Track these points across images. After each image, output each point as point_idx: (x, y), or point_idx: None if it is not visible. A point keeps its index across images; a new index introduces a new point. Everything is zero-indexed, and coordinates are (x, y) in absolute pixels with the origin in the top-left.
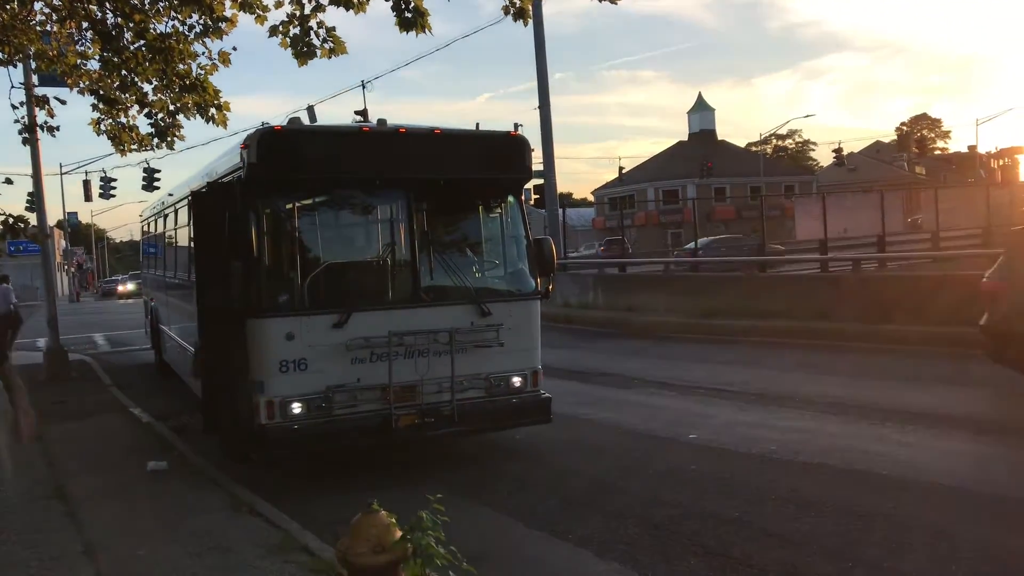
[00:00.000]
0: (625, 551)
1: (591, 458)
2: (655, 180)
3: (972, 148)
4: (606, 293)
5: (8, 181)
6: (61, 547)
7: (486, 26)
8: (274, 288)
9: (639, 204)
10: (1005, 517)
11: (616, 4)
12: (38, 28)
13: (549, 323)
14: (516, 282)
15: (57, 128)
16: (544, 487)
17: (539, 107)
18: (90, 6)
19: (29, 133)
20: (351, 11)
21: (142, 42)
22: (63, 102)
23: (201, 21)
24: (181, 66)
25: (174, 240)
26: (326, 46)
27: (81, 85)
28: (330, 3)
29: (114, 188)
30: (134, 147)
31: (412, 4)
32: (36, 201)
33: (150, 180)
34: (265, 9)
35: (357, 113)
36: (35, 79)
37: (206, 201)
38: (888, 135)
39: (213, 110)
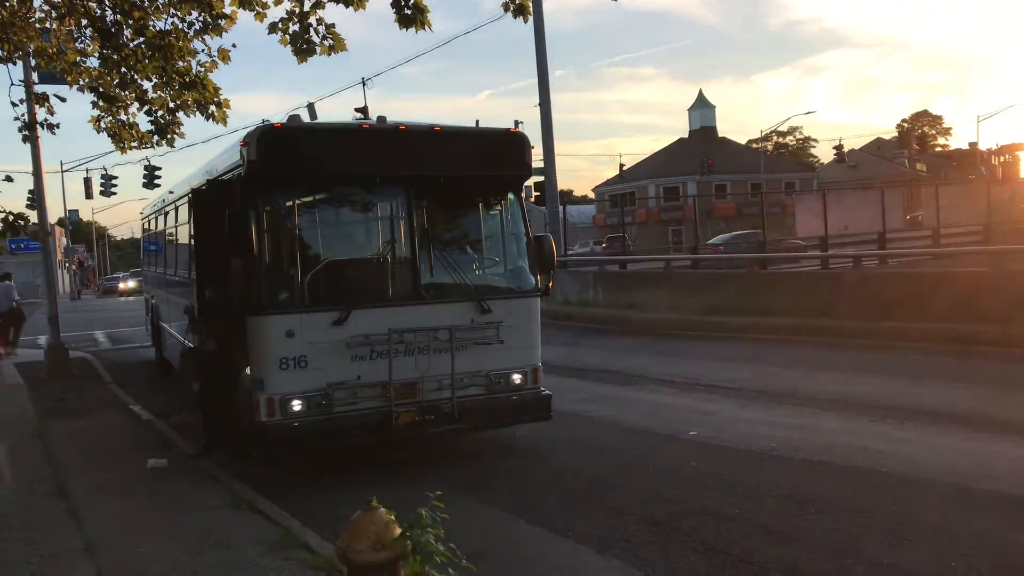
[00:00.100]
0: (625, 548)
1: (591, 455)
2: (656, 177)
3: (973, 145)
4: (606, 290)
5: (8, 179)
6: (62, 544)
7: (486, 23)
8: (274, 285)
9: (640, 201)
10: (1004, 514)
11: (616, 1)
12: (37, 25)
13: (549, 320)
14: (516, 279)
15: (57, 126)
16: (544, 484)
17: (539, 104)
18: (89, 3)
19: (29, 131)
20: (351, 8)
21: (141, 39)
22: (63, 99)
23: (200, 18)
24: (181, 63)
25: (175, 238)
26: (326, 43)
27: (81, 82)
28: (329, 0)
29: (115, 186)
30: (134, 144)
31: (412, 1)
32: (37, 199)
33: (151, 178)
34: (264, 6)
35: (357, 110)
36: (35, 76)
37: (206, 199)
38: (889, 132)
39: (213, 107)
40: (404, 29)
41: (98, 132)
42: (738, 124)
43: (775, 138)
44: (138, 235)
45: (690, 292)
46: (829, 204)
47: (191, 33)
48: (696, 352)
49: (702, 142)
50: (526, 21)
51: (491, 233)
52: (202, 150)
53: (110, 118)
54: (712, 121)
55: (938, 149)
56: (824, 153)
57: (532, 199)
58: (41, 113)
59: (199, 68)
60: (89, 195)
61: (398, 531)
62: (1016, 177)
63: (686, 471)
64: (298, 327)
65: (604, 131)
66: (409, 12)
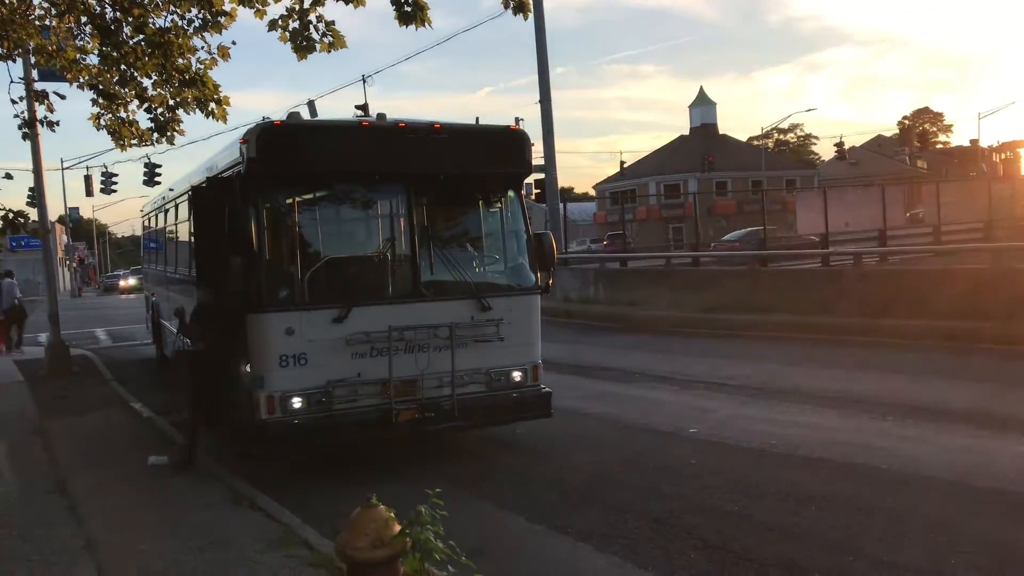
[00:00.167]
0: (625, 545)
1: (591, 452)
2: (656, 174)
3: (974, 142)
4: (607, 288)
5: (8, 176)
6: (62, 541)
7: (486, 20)
8: (274, 283)
9: (640, 199)
10: (1004, 511)
11: None
12: (37, 23)
13: (549, 318)
14: (516, 277)
15: (57, 123)
16: (544, 481)
17: (540, 101)
18: (89, 0)
19: (29, 128)
20: (350, 5)
21: (141, 36)
22: (62, 97)
23: (200, 15)
24: (180, 60)
25: (175, 235)
26: (325, 40)
27: (81, 80)
28: None
29: (115, 183)
30: (134, 142)
31: None
32: (37, 196)
33: (151, 175)
34: (264, 3)
35: (358, 107)
36: (35, 74)
37: (206, 196)
38: (890, 129)
39: (213, 105)
40: (404, 26)
41: (98, 130)
42: (739, 121)
43: (776, 135)
44: (139, 232)
45: (691, 289)
46: (830, 201)
47: (191, 30)
48: (696, 349)
49: (703, 139)
50: (526, 18)
51: (491, 230)
52: (203, 147)
53: (110, 115)
54: (713, 118)
55: (939, 146)
56: (825, 150)
57: (532, 196)
58: (41, 111)
59: (199, 65)
60: (90, 193)
61: (397, 528)
62: (1017, 174)
63: (686, 468)
64: (298, 324)
65: (605, 128)
66: (409, 9)
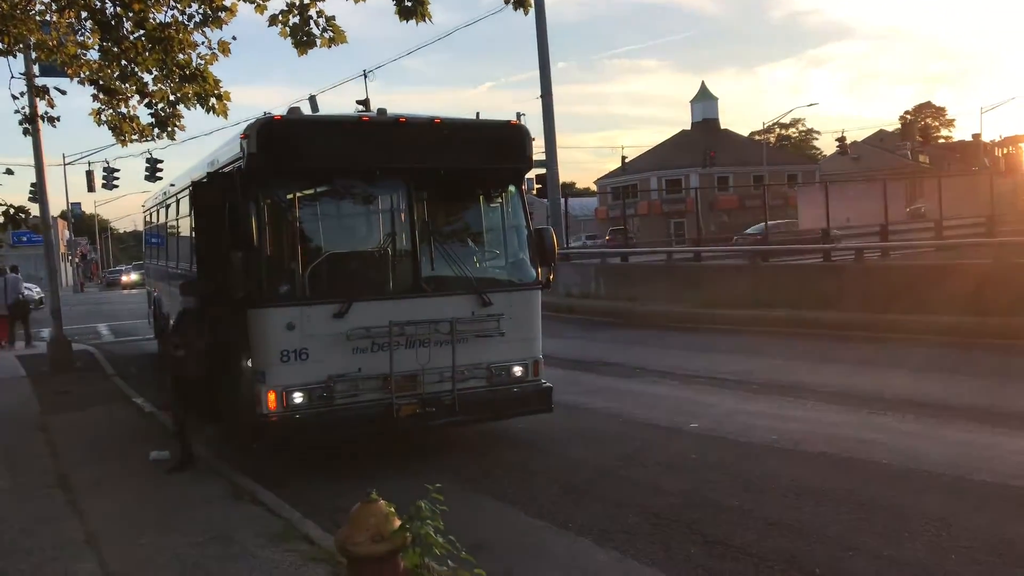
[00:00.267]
0: (625, 540)
1: (592, 447)
2: (658, 169)
3: (976, 137)
4: (608, 283)
5: (9, 172)
6: (64, 536)
7: (487, 15)
8: (275, 278)
9: (642, 193)
10: (1005, 506)
11: None
12: (37, 18)
13: (551, 313)
14: (517, 272)
15: (57, 119)
16: (545, 476)
17: (541, 96)
18: None
19: (30, 124)
20: (350, 0)
21: (141, 32)
22: (63, 92)
23: (200, 10)
24: (181, 56)
25: (176, 230)
26: (326, 35)
27: (81, 75)
28: None
29: (117, 178)
30: (135, 137)
31: None
32: (38, 191)
33: (153, 170)
34: None
35: (359, 103)
36: (36, 69)
37: (207, 191)
38: (892, 124)
39: (213, 100)
40: (404, 21)
41: (99, 125)
42: (741, 116)
43: (777, 130)
44: (141, 228)
45: (692, 285)
46: (831, 197)
47: (191, 25)
48: (698, 345)
49: (704, 134)
50: (526, 13)
51: (492, 226)
52: (205, 143)
53: (111, 111)
54: (714, 113)
55: (941, 141)
56: (827, 145)
57: (534, 191)
58: (42, 106)
59: (199, 61)
60: (92, 188)
61: (398, 523)
62: (1019, 169)
63: (687, 463)
64: (299, 320)
65: (606, 123)
66: (409, 4)
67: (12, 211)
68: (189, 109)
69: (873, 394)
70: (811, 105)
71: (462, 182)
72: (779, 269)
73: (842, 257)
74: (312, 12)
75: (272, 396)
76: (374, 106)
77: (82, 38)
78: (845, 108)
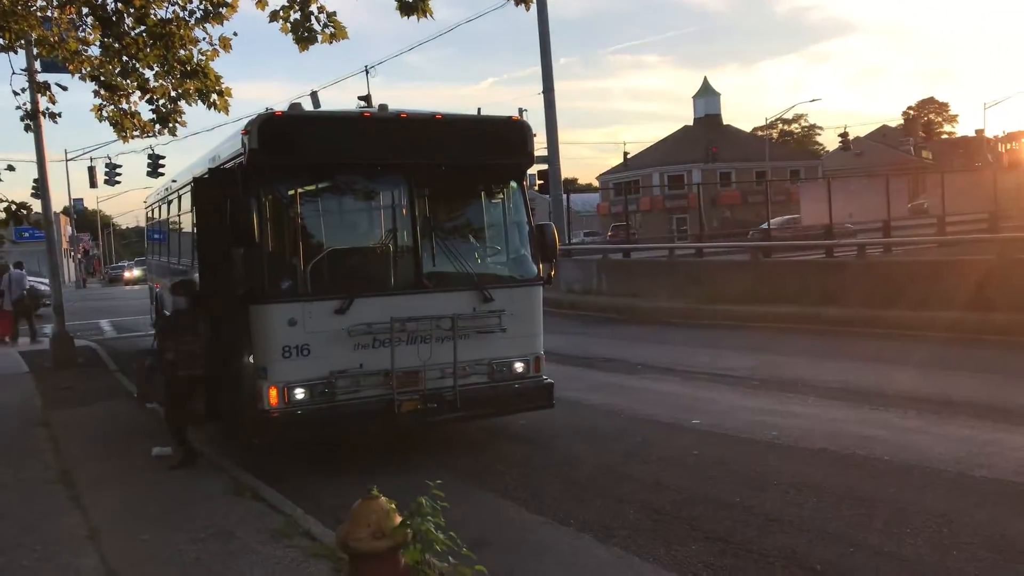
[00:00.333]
0: (627, 536)
1: (594, 443)
2: (660, 165)
3: (980, 132)
4: (610, 279)
5: (10, 168)
6: (66, 531)
7: (489, 11)
8: (276, 274)
9: (644, 189)
10: (1006, 502)
11: None
12: (39, 14)
13: (552, 309)
14: (518, 268)
15: (59, 114)
16: (546, 472)
17: (543, 92)
18: None
19: (32, 119)
20: None
21: (142, 28)
22: (64, 88)
23: (201, 6)
24: (182, 52)
25: (178, 226)
26: (327, 31)
27: (83, 71)
28: None
29: (119, 174)
30: (136, 133)
31: None
32: (40, 187)
33: (155, 166)
34: None
35: (361, 98)
36: (37, 65)
37: (208, 187)
38: (895, 119)
39: (214, 96)
40: (405, 17)
41: (100, 121)
42: (743, 112)
43: (780, 126)
44: (143, 224)
45: (694, 281)
46: (834, 192)
47: (192, 21)
48: (699, 341)
49: (707, 130)
50: (528, 9)
51: (493, 221)
52: (207, 139)
53: (112, 107)
54: (717, 109)
55: (944, 136)
56: (829, 141)
57: (536, 187)
58: (43, 102)
59: (200, 57)
60: (94, 184)
61: (398, 519)
62: (1023, 165)
63: (688, 459)
64: (300, 315)
65: (608, 119)
66: (411, 0)
67: (14, 207)
68: (190, 105)
69: (875, 390)
70: (814, 101)
71: (463, 178)
72: (781, 265)
73: (844, 253)
74: (313, 8)
75: (274, 392)
76: (376, 102)
77: (83, 34)
78: (848, 103)
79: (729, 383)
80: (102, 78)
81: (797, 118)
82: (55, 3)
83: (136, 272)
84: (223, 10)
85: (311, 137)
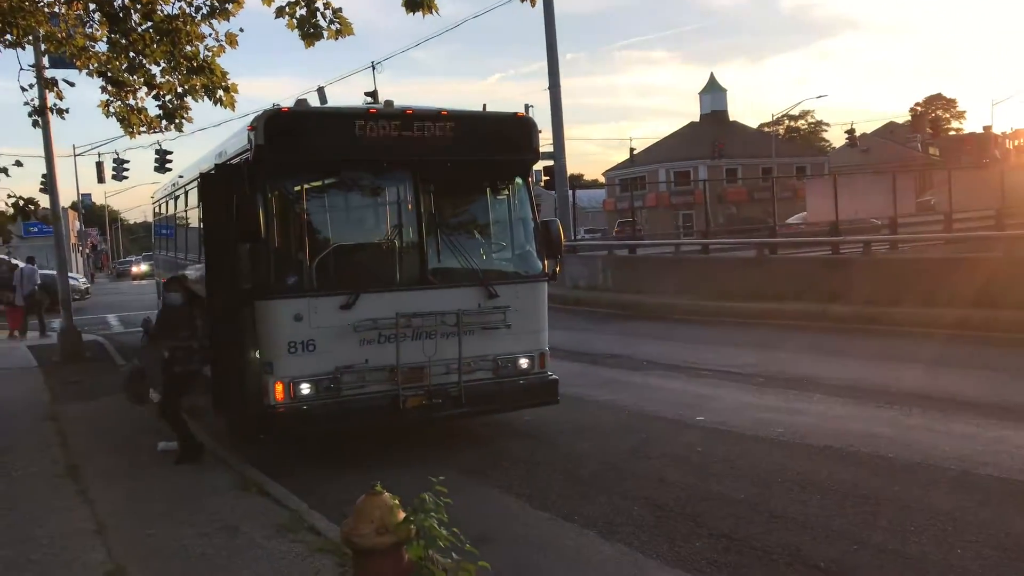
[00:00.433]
0: (631, 533)
1: (598, 440)
2: (666, 161)
3: (987, 129)
4: (616, 275)
5: (18, 163)
6: (74, 525)
7: (496, 6)
8: (282, 270)
9: (650, 186)
10: (1011, 500)
11: None
12: (46, 10)
13: (558, 305)
14: (523, 264)
15: (66, 110)
16: (551, 469)
17: (549, 88)
18: None
19: (40, 115)
20: None
21: (149, 24)
22: (71, 84)
23: (208, 2)
24: (188, 48)
25: (185, 222)
26: (333, 27)
27: (90, 67)
28: None
29: (127, 170)
30: (143, 129)
31: None
32: (48, 183)
33: (162, 162)
34: None
35: (367, 94)
36: (45, 61)
37: (214, 183)
38: (902, 116)
39: (221, 92)
40: (411, 13)
41: (107, 117)
42: (749, 108)
43: (786, 122)
44: (150, 219)
45: (700, 277)
46: (840, 189)
47: (198, 17)
48: (705, 338)
49: (713, 126)
50: (533, 5)
51: (498, 218)
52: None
53: (119, 103)
54: (723, 105)
55: (952, 133)
56: (836, 137)
57: (542, 183)
58: (51, 98)
59: (207, 53)
60: (102, 179)
61: (402, 515)
62: None
63: (693, 456)
64: (306, 311)
65: (615, 115)
66: None
67: (22, 203)
68: (197, 101)
69: (880, 388)
70: (820, 97)
71: (469, 174)
72: (787, 261)
73: (851, 250)
74: (319, 4)
75: (280, 387)
76: (382, 98)
77: (90, 30)
78: (855, 100)
79: (734, 380)
80: (109, 74)
81: (804, 114)
82: None
83: (143, 267)
84: (229, 6)
85: (317, 133)
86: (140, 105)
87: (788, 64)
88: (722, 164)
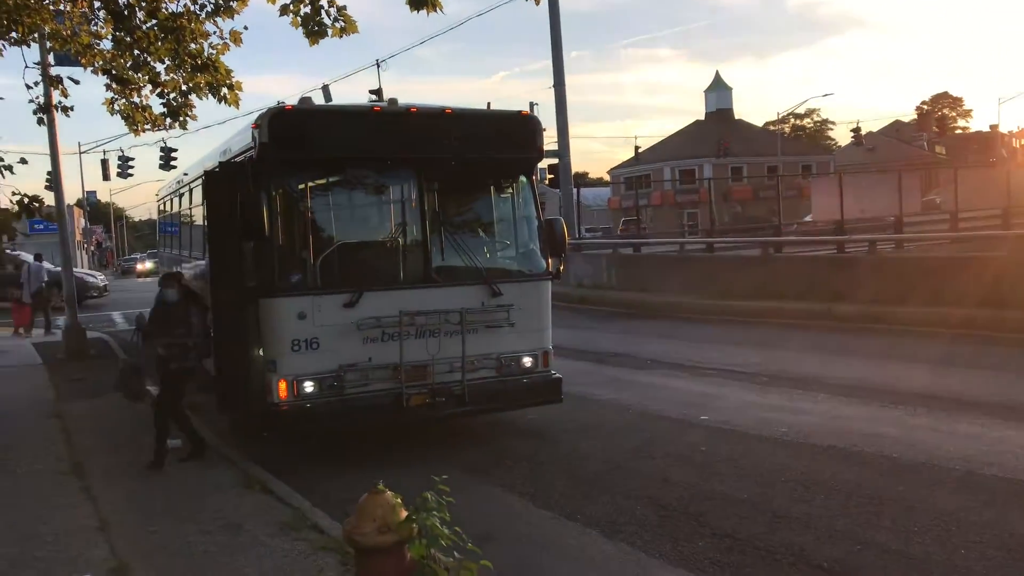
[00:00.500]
0: (634, 532)
1: (602, 439)
2: (671, 159)
3: (994, 127)
4: (620, 274)
5: (23, 161)
6: (77, 522)
7: (500, 4)
8: (286, 268)
9: (655, 184)
10: (1015, 500)
11: None
12: (51, 8)
13: (562, 304)
14: (527, 262)
15: (71, 108)
16: (554, 468)
17: (554, 85)
18: None
19: (45, 113)
20: None
21: (154, 21)
22: (76, 82)
23: (212, 0)
24: (193, 46)
25: (189, 219)
26: (337, 25)
27: (95, 65)
28: None
29: (132, 167)
30: (147, 127)
31: None
32: (53, 180)
33: (167, 159)
34: None
35: (372, 92)
36: (50, 59)
37: (218, 181)
38: (908, 114)
39: (225, 90)
40: (415, 11)
41: (112, 114)
42: (755, 106)
43: (792, 120)
44: (155, 216)
45: (704, 276)
46: (846, 187)
47: (203, 15)
48: (709, 336)
49: (718, 124)
50: (538, 3)
51: (502, 216)
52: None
53: (124, 100)
54: (729, 103)
55: (958, 131)
56: (842, 136)
57: (546, 181)
58: (56, 95)
59: (211, 50)
60: (107, 176)
61: (404, 514)
62: None
63: (696, 456)
64: (310, 309)
65: (620, 113)
66: None
67: (27, 200)
68: (201, 99)
69: (885, 387)
70: (826, 95)
71: (473, 172)
72: (792, 260)
73: (856, 249)
74: (323, 1)
75: (283, 385)
76: (387, 95)
77: (95, 28)
78: (861, 98)
79: (739, 379)
80: (114, 72)
81: (809, 113)
82: None
83: (148, 264)
84: (234, 4)
85: (321, 131)
86: (145, 103)
87: (794, 62)
88: (727, 163)
